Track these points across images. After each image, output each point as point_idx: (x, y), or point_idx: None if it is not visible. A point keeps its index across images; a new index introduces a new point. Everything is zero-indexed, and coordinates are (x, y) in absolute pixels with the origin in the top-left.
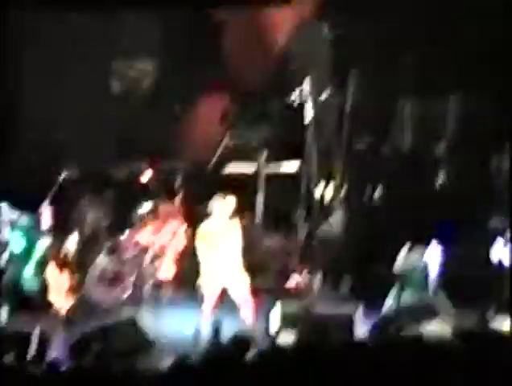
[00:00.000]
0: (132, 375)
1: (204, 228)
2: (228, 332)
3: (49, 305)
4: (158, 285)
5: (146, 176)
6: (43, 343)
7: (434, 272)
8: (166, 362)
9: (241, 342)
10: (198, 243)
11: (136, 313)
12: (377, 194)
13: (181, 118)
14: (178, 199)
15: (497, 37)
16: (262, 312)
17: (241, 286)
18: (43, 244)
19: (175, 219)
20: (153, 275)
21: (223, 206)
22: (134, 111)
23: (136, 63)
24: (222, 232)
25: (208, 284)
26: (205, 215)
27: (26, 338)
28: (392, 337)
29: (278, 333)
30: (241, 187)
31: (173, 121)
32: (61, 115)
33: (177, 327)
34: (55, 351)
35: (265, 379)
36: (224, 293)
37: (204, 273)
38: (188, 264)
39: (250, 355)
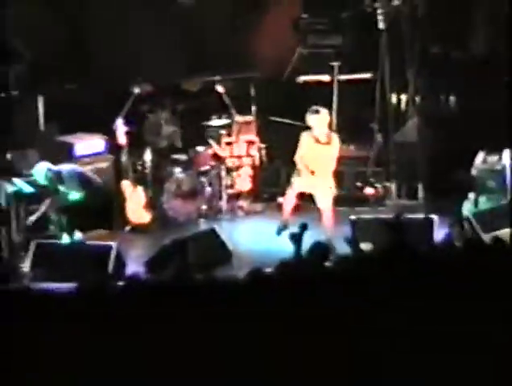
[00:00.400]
0: (212, 285)
1: (307, 138)
2: (307, 241)
3: (127, 220)
4: (236, 197)
5: (219, 88)
6: (122, 258)
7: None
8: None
9: (323, 249)
10: (301, 152)
11: (214, 225)
12: (452, 101)
13: (253, 28)
14: (253, 111)
15: None
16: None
17: (328, 193)
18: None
19: (250, 132)
20: (230, 187)
21: (320, 119)
22: (204, 22)
23: None
24: (324, 143)
25: (299, 185)
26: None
27: (106, 254)
28: (472, 240)
29: (354, 241)
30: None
31: (244, 30)
32: (129, 31)
33: (256, 238)
34: (135, 266)
35: (345, 286)
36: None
37: (300, 178)
38: (265, 177)
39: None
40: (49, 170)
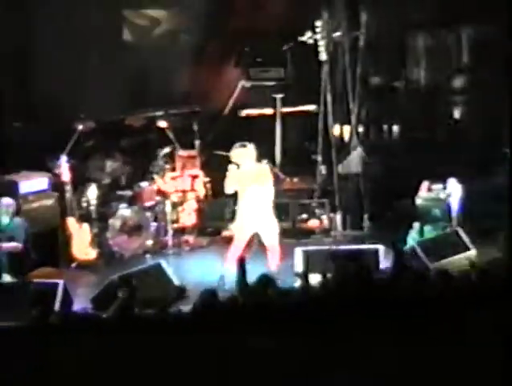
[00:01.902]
0: (160, 320)
1: (235, 173)
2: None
3: (71, 257)
4: (181, 232)
5: (162, 123)
6: (69, 296)
7: (455, 206)
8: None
9: (267, 281)
10: (230, 186)
11: (161, 259)
12: (395, 130)
13: (195, 64)
14: (196, 146)
15: None
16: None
17: (272, 231)
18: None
19: (194, 167)
20: (175, 222)
21: (245, 154)
22: (146, 59)
23: (148, 12)
24: (254, 177)
25: (240, 228)
26: (226, 161)
27: (53, 291)
28: (416, 272)
29: (303, 274)
30: (259, 129)
31: (187, 66)
32: (73, 67)
33: (201, 273)
34: (82, 302)
35: (290, 318)
36: (252, 239)
37: (238, 217)
38: (210, 211)
39: (273, 294)
40: None
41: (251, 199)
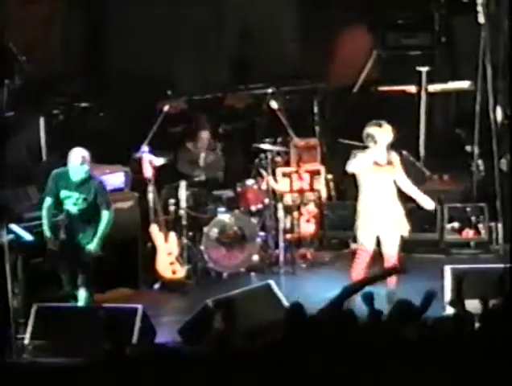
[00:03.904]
0: (268, 356)
1: (360, 163)
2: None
3: (156, 275)
4: (297, 244)
5: (273, 104)
6: (151, 324)
7: None
8: None
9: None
10: (357, 165)
11: (269, 280)
12: None
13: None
14: (317, 133)
15: None
16: None
17: (395, 237)
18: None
19: (314, 160)
20: (289, 231)
21: (381, 135)
22: (253, 22)
23: None
24: (382, 169)
25: (365, 235)
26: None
27: (130, 319)
28: None
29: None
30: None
31: (304, 31)
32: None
33: (322, 297)
34: (167, 333)
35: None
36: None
37: (362, 221)
38: (334, 217)
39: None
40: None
41: (377, 190)
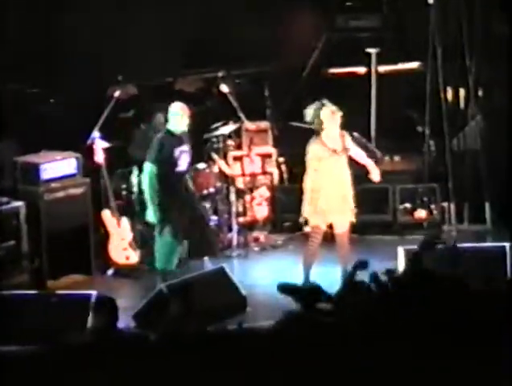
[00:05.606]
0: (223, 339)
1: (313, 147)
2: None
3: (108, 260)
4: (249, 228)
5: (223, 88)
6: (104, 310)
7: None
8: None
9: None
10: (309, 165)
11: (222, 263)
12: None
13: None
14: (268, 116)
15: None
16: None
17: (346, 220)
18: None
19: (265, 143)
20: (242, 215)
21: (330, 116)
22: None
23: None
24: (333, 151)
25: (316, 219)
26: (306, 135)
27: (84, 306)
28: None
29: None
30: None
31: (253, 12)
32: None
33: (275, 280)
34: (121, 319)
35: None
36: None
37: (312, 204)
38: (287, 200)
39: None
40: None
41: (328, 173)
